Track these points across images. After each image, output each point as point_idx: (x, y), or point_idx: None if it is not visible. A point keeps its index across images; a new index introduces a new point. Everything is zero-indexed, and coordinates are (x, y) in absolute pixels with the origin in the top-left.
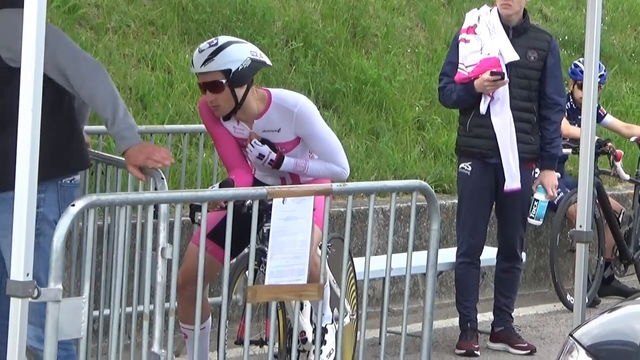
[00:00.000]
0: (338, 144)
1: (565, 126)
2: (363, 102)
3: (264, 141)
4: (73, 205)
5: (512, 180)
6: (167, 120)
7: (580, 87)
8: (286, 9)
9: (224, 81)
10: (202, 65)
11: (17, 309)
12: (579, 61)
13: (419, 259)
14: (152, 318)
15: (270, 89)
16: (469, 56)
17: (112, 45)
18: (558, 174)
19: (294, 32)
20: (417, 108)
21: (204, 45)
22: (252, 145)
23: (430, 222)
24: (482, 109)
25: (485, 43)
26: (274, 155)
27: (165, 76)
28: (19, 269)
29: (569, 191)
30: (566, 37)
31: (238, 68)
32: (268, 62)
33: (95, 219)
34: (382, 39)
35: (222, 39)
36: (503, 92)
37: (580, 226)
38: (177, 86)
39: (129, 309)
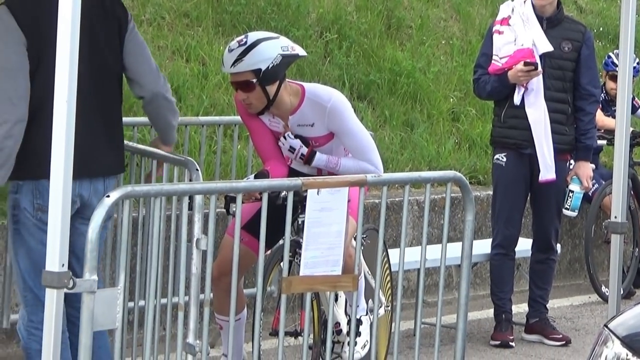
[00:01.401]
0: (371, 142)
1: (600, 117)
2: (397, 93)
3: (297, 136)
4: (108, 196)
5: (547, 171)
6: (202, 112)
7: (612, 78)
8: (320, 0)
9: (254, 80)
10: (232, 66)
11: (53, 299)
12: (613, 53)
13: (454, 250)
14: (187, 309)
15: (304, 84)
16: (503, 47)
17: (147, 37)
18: (593, 166)
19: (329, 23)
20: (451, 99)
21: (233, 44)
22: (284, 137)
23: (464, 213)
24: (517, 99)
25: (519, 34)
26: (305, 150)
27: (199, 68)
28: (54, 259)
29: (603, 183)
30: (601, 29)
31: (268, 66)
32: (302, 53)
33: (130, 210)
34: (417, 30)
35: (252, 37)
36: (537, 83)
37: (615, 217)
38: (212, 78)
39: (163, 300)
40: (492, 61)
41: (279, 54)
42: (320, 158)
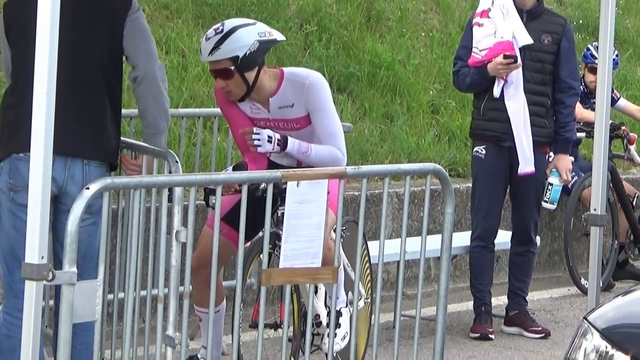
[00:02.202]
0: (341, 129)
1: (578, 110)
2: (377, 86)
3: (277, 120)
4: (87, 188)
5: (526, 164)
6: (182, 104)
7: (592, 71)
8: None
9: (232, 68)
10: (209, 54)
11: (32, 291)
12: (592, 45)
13: (433, 242)
14: (166, 301)
15: (282, 68)
16: (483, 40)
17: None
18: (572, 158)
19: (308, 15)
20: (431, 92)
21: (210, 32)
22: (255, 132)
23: (444, 205)
24: (496, 92)
25: (499, 27)
26: (278, 136)
27: (179, 60)
28: (34, 251)
29: (582, 175)
30: (580, 21)
31: (246, 53)
32: (279, 37)
33: (110, 202)
34: (397, 22)
35: (228, 24)
36: (517, 76)
37: (595, 210)
38: (192, 70)
39: (143, 293)
40: (472, 54)
41: (256, 40)
42: (292, 142)
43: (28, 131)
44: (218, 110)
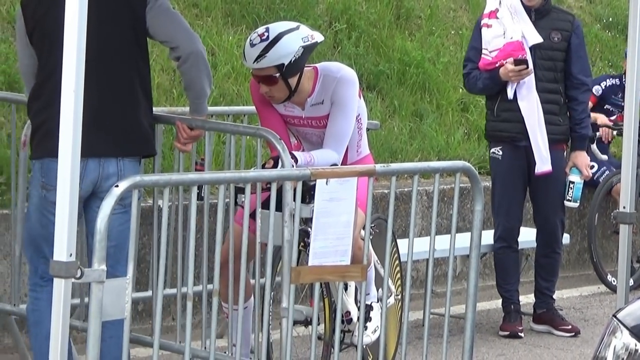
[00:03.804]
0: (350, 133)
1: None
2: (407, 84)
3: (308, 119)
4: (117, 186)
5: (543, 163)
6: (211, 102)
7: None
8: None
9: (277, 75)
10: (254, 62)
11: (61, 289)
12: None
13: (463, 240)
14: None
15: (317, 65)
16: (492, 41)
17: None
18: (604, 157)
19: (338, 14)
20: (460, 90)
21: (255, 38)
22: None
23: (473, 203)
24: (510, 94)
25: (508, 27)
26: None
27: (209, 58)
28: (62, 249)
29: (612, 171)
30: (610, 19)
31: (291, 60)
32: (320, 39)
33: (140, 200)
34: (426, 20)
35: (273, 31)
36: (529, 75)
37: (624, 207)
38: (221, 68)
39: (172, 290)
40: (482, 55)
41: (300, 47)
42: (299, 156)
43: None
44: (247, 108)
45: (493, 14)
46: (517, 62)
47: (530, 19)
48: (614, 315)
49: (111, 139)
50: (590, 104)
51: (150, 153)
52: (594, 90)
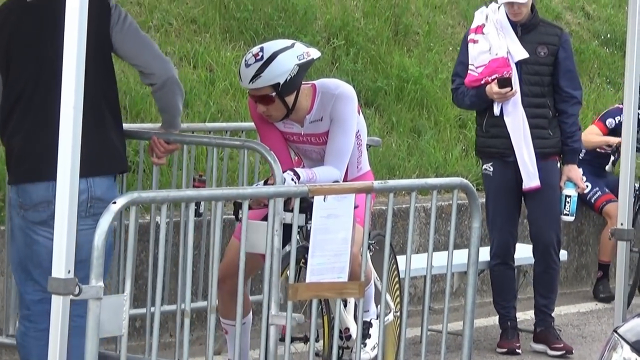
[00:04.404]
0: (350, 149)
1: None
2: (405, 100)
3: (307, 135)
4: (114, 202)
5: (530, 179)
6: (209, 118)
7: None
8: (328, 6)
9: (273, 94)
10: (250, 82)
11: (59, 306)
12: None
13: (460, 257)
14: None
15: (315, 82)
16: (479, 57)
17: None
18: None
19: (336, 30)
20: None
21: (249, 58)
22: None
23: (471, 220)
24: (496, 111)
25: (493, 43)
26: (292, 174)
27: (207, 74)
28: (60, 266)
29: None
30: (608, 35)
31: (287, 79)
32: (316, 55)
33: (137, 217)
34: (424, 36)
35: (268, 50)
36: (513, 96)
37: (622, 224)
38: (219, 84)
39: (171, 307)
40: (469, 71)
41: (295, 65)
42: (301, 173)
43: (34, 160)
44: (245, 124)
45: (479, 29)
46: (501, 84)
47: (517, 34)
48: (615, 331)
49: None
50: (601, 134)
51: (121, 170)
52: (607, 123)
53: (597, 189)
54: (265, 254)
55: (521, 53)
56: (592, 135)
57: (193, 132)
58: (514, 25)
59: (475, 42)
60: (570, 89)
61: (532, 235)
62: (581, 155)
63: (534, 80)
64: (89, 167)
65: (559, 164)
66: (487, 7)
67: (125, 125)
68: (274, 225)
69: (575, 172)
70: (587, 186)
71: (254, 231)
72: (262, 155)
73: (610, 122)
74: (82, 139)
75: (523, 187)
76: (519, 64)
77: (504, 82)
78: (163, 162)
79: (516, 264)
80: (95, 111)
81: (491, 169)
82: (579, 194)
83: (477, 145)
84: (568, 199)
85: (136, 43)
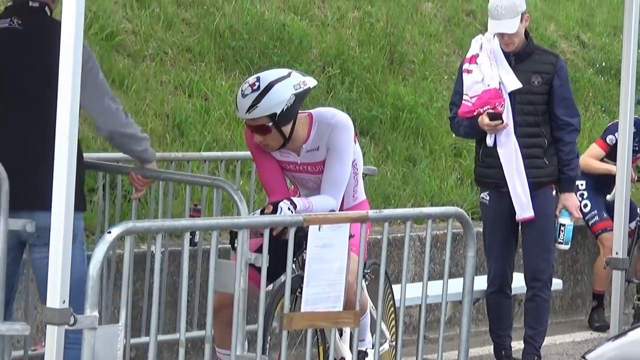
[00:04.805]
0: (347, 178)
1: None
2: (400, 128)
3: (304, 164)
4: (109, 232)
5: (523, 210)
6: (204, 147)
7: None
8: (323, 35)
9: (270, 124)
10: (247, 112)
11: (54, 336)
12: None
13: (455, 286)
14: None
15: (311, 110)
16: (472, 87)
17: (150, 73)
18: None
19: (331, 58)
20: (453, 135)
21: (246, 88)
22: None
23: (466, 249)
24: (489, 142)
25: (486, 73)
26: (289, 203)
27: (202, 103)
28: (55, 296)
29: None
30: (603, 64)
31: (283, 109)
32: (312, 84)
33: (132, 247)
34: (419, 65)
35: (264, 80)
36: (507, 122)
37: (617, 253)
38: (214, 113)
39: (166, 337)
40: (463, 101)
41: (292, 95)
42: (298, 202)
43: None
44: (241, 153)
45: (474, 59)
46: (491, 117)
47: (510, 63)
48: (583, 356)
49: (31, 193)
50: (603, 152)
51: (79, 208)
52: (607, 140)
53: (596, 212)
54: (260, 283)
55: (514, 83)
56: (593, 160)
57: (189, 162)
58: (507, 54)
59: (469, 72)
60: (566, 117)
61: (524, 264)
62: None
63: (527, 110)
64: (36, 201)
65: (554, 192)
66: (483, 35)
67: (119, 155)
68: (267, 253)
69: (570, 200)
70: (586, 205)
71: (223, 271)
72: (229, 194)
73: (610, 138)
74: (29, 173)
75: (517, 217)
76: (512, 94)
77: (494, 116)
78: (143, 194)
79: (513, 292)
80: (44, 147)
81: (487, 198)
82: (585, 212)
83: (475, 174)
84: (562, 228)
85: (90, 91)
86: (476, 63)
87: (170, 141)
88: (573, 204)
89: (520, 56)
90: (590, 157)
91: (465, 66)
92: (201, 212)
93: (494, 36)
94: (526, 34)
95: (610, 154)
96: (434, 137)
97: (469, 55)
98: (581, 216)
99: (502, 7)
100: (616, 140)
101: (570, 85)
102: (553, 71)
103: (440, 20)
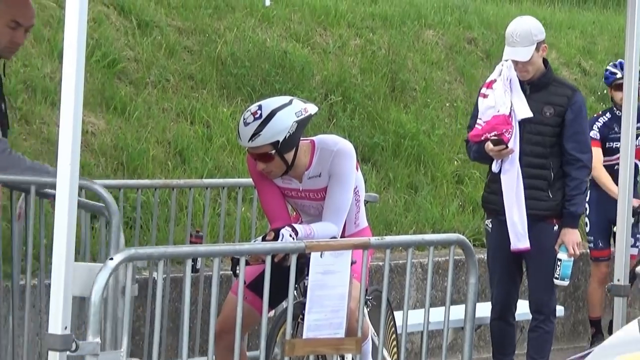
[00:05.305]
0: (348, 205)
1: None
2: (402, 156)
3: (306, 191)
4: (111, 259)
5: (518, 240)
6: (206, 174)
7: (618, 88)
8: (325, 63)
9: (273, 152)
10: (249, 140)
11: None
12: (609, 65)
13: (457, 312)
14: None
15: (314, 137)
16: (486, 112)
17: (152, 100)
18: None
19: (333, 86)
20: (455, 162)
21: (248, 117)
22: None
23: (468, 276)
24: (494, 168)
25: (498, 99)
26: (290, 230)
27: (204, 130)
28: (57, 322)
29: None
30: (605, 91)
31: (285, 137)
32: (313, 111)
33: (134, 273)
34: (421, 93)
35: (266, 108)
36: (514, 148)
37: (618, 280)
38: (216, 140)
39: None
40: (476, 125)
41: (294, 122)
42: (300, 229)
43: None
44: (242, 180)
45: (491, 84)
46: (494, 142)
47: (525, 92)
48: None
49: None
50: (599, 149)
51: None
52: (592, 134)
53: (593, 238)
54: (262, 309)
55: (525, 112)
56: (604, 172)
57: (190, 188)
58: (523, 83)
59: (485, 96)
60: (575, 152)
61: (528, 293)
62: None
63: (535, 140)
64: None
65: (556, 227)
66: (506, 61)
67: (121, 182)
68: (269, 280)
69: (569, 236)
70: (586, 224)
71: None
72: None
73: (594, 133)
74: None
75: (511, 247)
76: (522, 123)
77: (497, 141)
78: None
79: (517, 319)
80: None
81: (490, 225)
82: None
83: (482, 199)
84: (559, 263)
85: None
86: (492, 88)
87: (172, 168)
88: (571, 240)
89: (535, 86)
90: (599, 163)
91: (482, 90)
92: (203, 239)
93: (512, 64)
94: (546, 64)
95: (603, 147)
96: (435, 164)
97: (488, 80)
98: (578, 253)
99: (517, 35)
100: (599, 132)
101: (585, 121)
102: (567, 104)
103: (441, 48)
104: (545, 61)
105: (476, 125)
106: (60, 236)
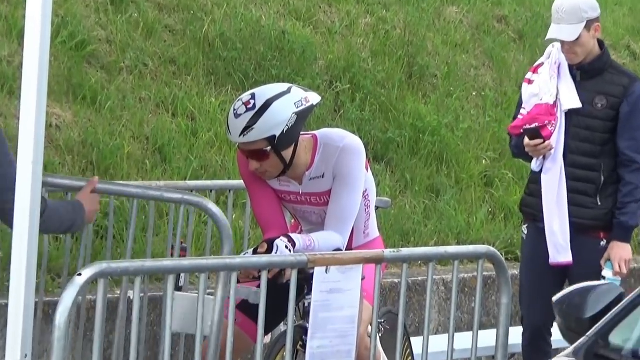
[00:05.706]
0: (356, 212)
1: None
2: (421, 154)
3: (306, 194)
4: (79, 274)
5: (558, 252)
6: (190, 175)
7: None
8: (330, 45)
9: (268, 149)
10: (240, 135)
11: None
12: None
13: (487, 338)
14: None
15: (316, 132)
16: (529, 100)
17: (127, 88)
18: None
19: (340, 72)
20: (484, 161)
21: (239, 107)
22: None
23: (499, 295)
24: (533, 166)
25: (543, 86)
26: (287, 240)
27: (188, 124)
28: (16, 350)
29: None
30: None
31: (283, 130)
32: (315, 100)
33: (106, 291)
34: (443, 80)
35: (260, 97)
36: (557, 146)
37: None
38: (202, 135)
39: None
40: (519, 115)
41: (293, 113)
42: (297, 239)
43: None
44: (233, 182)
45: (537, 69)
46: (530, 136)
47: (575, 78)
48: None
49: None
50: None
51: None
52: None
53: None
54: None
55: (572, 102)
56: None
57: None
58: (573, 68)
59: (530, 82)
60: (631, 152)
61: None
62: None
63: (583, 135)
64: None
65: (603, 243)
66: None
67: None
68: (265, 298)
69: (617, 251)
70: None
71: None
72: (208, 213)
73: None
74: None
75: (550, 260)
76: (568, 115)
77: (533, 133)
78: None
79: (555, 346)
80: None
81: (526, 232)
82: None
83: (520, 202)
84: (603, 280)
85: None
86: (538, 73)
87: (150, 168)
88: (617, 255)
89: (587, 72)
90: None
91: (528, 75)
92: (187, 251)
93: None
94: (602, 47)
95: None
96: (460, 163)
97: (536, 63)
98: (625, 272)
99: (563, 10)
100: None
101: None
102: (623, 95)
103: (467, 27)
104: (601, 43)
105: (519, 116)
106: (19, 250)
